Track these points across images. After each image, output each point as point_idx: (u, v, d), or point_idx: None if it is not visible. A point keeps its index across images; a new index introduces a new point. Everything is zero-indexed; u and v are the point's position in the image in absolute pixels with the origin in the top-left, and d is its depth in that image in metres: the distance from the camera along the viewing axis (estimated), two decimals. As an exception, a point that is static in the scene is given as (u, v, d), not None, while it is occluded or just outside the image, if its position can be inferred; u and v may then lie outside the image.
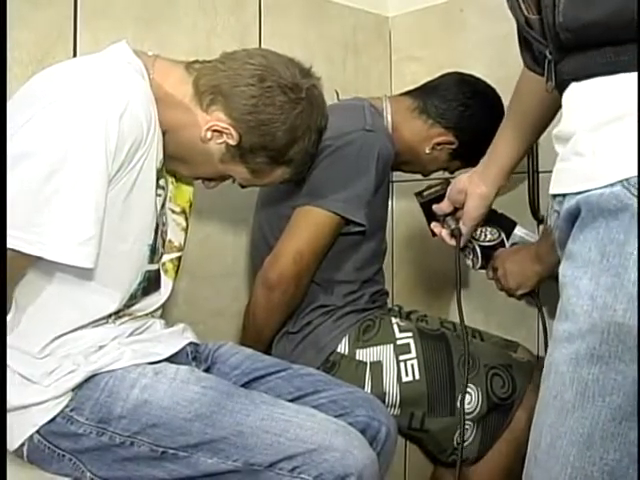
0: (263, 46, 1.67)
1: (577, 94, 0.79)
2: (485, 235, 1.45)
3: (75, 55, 1.38)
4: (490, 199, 1.25)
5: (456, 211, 1.31)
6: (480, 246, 1.45)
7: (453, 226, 1.31)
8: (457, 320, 1.68)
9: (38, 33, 1.34)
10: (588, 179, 0.74)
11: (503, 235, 1.47)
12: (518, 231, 1.49)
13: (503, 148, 1.18)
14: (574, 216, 0.77)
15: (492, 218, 1.49)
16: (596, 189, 0.72)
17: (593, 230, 0.73)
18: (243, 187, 1.22)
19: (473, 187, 1.24)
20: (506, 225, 1.48)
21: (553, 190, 0.83)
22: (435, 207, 1.34)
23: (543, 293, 1.46)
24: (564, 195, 0.80)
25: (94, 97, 0.93)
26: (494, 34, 1.69)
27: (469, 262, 1.49)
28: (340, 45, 1.88)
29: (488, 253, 1.46)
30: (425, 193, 1.40)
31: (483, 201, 1.25)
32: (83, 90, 0.94)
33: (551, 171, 0.83)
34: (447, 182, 1.36)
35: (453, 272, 1.32)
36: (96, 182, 0.92)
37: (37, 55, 1.34)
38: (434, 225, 1.36)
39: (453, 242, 1.32)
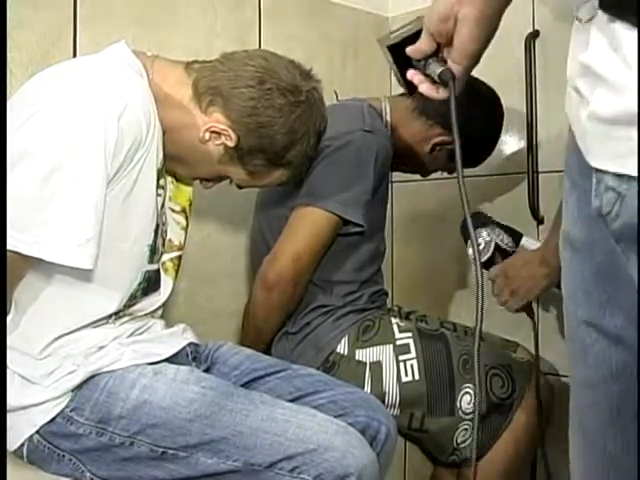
0: (263, 46, 1.67)
1: None
2: (503, 238, 1.42)
3: (75, 55, 1.38)
4: (492, 24, 0.83)
5: (438, 51, 0.87)
6: (496, 243, 1.42)
7: (440, 69, 0.86)
8: (456, 320, 1.70)
9: (38, 34, 1.34)
10: None
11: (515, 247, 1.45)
12: (525, 242, 1.48)
13: None
14: None
15: (503, 227, 1.47)
16: None
17: None
18: (240, 188, 1.22)
19: (466, 9, 0.81)
20: (514, 236, 1.47)
21: (613, 167, 0.60)
22: (410, 49, 0.88)
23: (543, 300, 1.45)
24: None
25: (93, 98, 0.94)
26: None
27: (471, 251, 1.40)
28: (340, 45, 1.88)
29: (496, 257, 1.44)
30: (393, 34, 0.94)
31: (482, 27, 0.82)
32: (82, 91, 0.95)
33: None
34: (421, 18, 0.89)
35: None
36: (95, 183, 0.92)
37: (37, 55, 1.34)
38: (412, 73, 0.90)
39: (442, 93, 0.89)
